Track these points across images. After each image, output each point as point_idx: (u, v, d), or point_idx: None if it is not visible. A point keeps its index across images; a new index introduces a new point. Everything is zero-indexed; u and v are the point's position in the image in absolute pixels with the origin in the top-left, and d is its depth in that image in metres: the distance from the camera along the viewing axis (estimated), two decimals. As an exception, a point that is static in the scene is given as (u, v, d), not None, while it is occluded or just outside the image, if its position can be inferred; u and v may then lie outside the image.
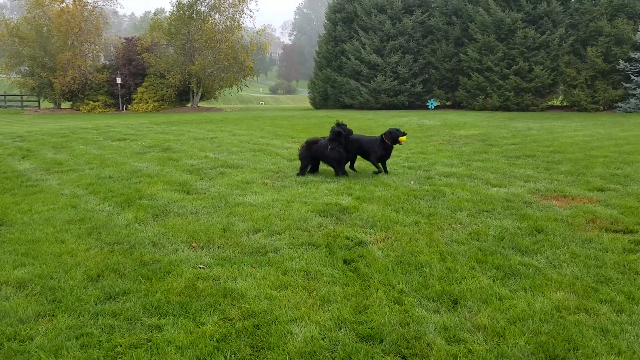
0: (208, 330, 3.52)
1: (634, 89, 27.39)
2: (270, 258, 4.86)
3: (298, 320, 3.66)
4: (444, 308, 3.83)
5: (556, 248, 5.05)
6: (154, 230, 5.75)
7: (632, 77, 27.36)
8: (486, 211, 6.41)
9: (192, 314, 3.76)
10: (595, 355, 3.19)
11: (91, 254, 5.02)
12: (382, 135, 8.83)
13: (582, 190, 7.47)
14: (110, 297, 4.06)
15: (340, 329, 3.55)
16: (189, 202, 7.01)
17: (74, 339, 3.44)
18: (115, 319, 3.69)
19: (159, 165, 10.20)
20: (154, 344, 3.38)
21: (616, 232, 5.57)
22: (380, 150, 8.77)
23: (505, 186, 7.83)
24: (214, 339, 3.42)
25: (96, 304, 3.93)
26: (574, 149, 11.71)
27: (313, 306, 3.88)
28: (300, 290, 4.15)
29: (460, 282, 4.25)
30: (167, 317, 3.73)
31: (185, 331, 3.53)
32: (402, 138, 8.68)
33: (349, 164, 9.15)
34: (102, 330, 3.56)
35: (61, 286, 4.25)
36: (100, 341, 3.42)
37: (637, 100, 27.28)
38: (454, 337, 3.42)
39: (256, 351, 3.31)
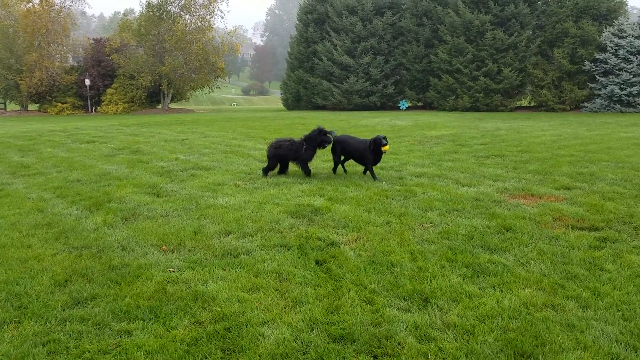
0: (178, 335, 3.49)
1: (599, 89, 28.09)
2: (241, 260, 4.84)
3: (270, 322, 3.65)
4: (414, 307, 3.86)
5: (524, 246, 5.14)
6: (123, 234, 5.67)
7: (597, 77, 28.06)
8: (456, 210, 6.49)
9: (162, 318, 3.72)
10: (562, 351, 3.26)
11: (58, 258, 4.92)
12: (371, 139, 8.63)
13: (549, 189, 7.62)
14: (78, 302, 3.99)
15: (312, 330, 3.55)
16: (159, 205, 6.93)
17: (41, 346, 3.37)
18: (84, 325, 3.63)
19: (129, 167, 10.06)
20: (123, 349, 3.33)
21: (582, 229, 5.70)
22: (371, 155, 8.62)
23: (475, 185, 7.94)
24: (185, 343, 3.38)
25: (64, 310, 3.86)
26: (542, 149, 11.95)
27: (285, 308, 3.87)
28: (272, 292, 4.13)
29: (430, 281, 4.29)
30: (137, 321, 3.67)
31: (155, 336, 3.49)
32: (384, 147, 8.59)
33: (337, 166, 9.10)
34: (70, 336, 3.50)
35: (27, 292, 4.16)
36: (67, 347, 3.36)
37: (603, 100, 27.99)
38: (424, 335, 3.46)
39: (227, 354, 3.28)
